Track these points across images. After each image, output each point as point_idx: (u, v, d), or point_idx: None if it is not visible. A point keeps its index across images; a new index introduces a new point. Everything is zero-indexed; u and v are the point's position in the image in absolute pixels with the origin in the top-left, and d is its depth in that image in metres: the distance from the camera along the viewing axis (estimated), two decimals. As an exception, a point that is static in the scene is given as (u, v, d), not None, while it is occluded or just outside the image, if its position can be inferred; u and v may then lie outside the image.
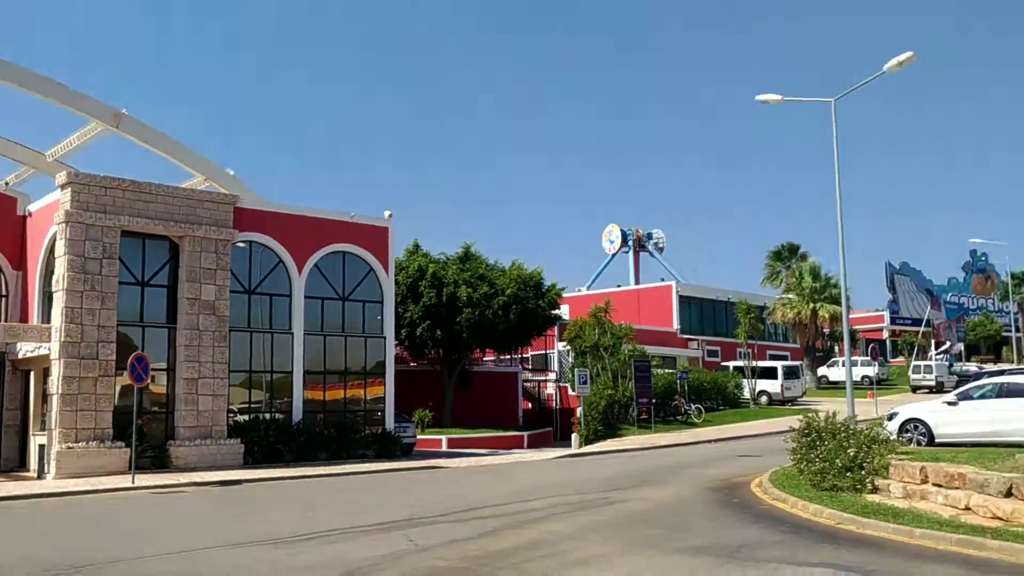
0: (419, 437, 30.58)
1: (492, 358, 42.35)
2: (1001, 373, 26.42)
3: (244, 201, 26.33)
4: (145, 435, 22.75)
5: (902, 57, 22.07)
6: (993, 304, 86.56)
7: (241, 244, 25.66)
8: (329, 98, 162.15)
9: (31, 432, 24.31)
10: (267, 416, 25.71)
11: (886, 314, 78.47)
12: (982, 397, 19.26)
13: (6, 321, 25.09)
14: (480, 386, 38.19)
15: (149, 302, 24.18)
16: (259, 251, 26.16)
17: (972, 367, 58.86)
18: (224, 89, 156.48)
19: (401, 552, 10.95)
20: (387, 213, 29.08)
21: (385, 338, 28.25)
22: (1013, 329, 71.19)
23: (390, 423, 27.69)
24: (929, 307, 76.56)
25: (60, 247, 22.57)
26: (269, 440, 24.77)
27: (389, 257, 28.78)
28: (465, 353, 36.93)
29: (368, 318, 28.12)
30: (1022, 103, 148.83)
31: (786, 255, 60.05)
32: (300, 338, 26.43)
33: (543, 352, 45.99)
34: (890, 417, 20.55)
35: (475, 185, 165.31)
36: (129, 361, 20.82)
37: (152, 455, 22.67)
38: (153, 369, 21.79)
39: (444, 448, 31.26)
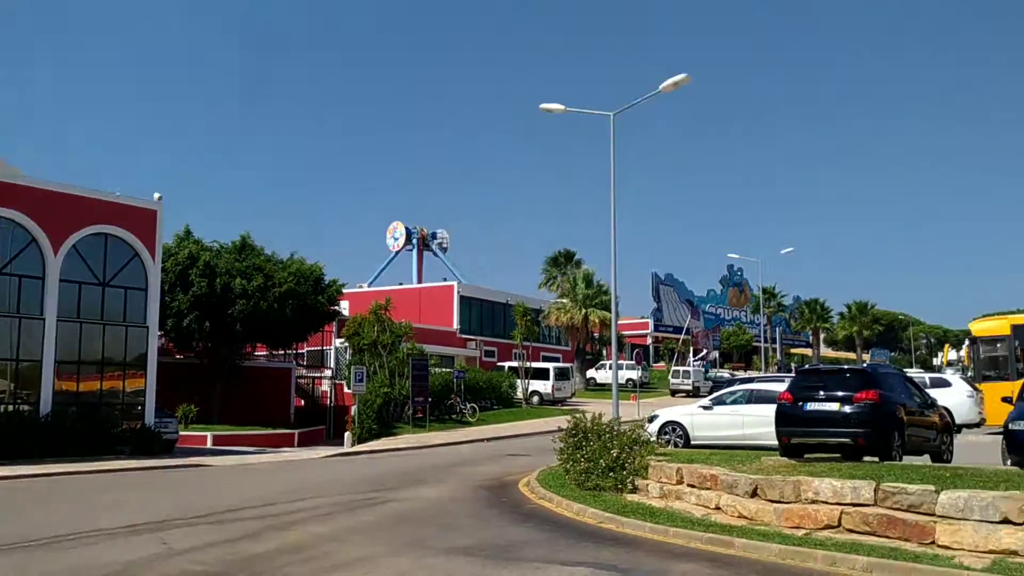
0: (182, 434, 29.04)
1: (265, 353, 40.98)
2: (751, 381, 28.47)
3: (-7, 173, 24.00)
4: None
5: (677, 78, 23.20)
6: (746, 316, 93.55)
7: (-12, 220, 23.38)
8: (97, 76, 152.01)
9: None
10: (10, 408, 23.57)
11: (651, 321, 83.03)
12: (734, 403, 20.65)
13: None
14: (251, 382, 36.80)
15: None
16: (9, 228, 23.94)
17: (725, 374, 63.24)
18: None
19: (153, 556, 10.26)
20: (156, 195, 27.43)
21: (148, 328, 26.60)
22: (762, 339, 77.05)
23: (150, 418, 26.10)
24: (689, 316, 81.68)
25: None
26: (12, 434, 22.64)
27: (156, 242, 27.11)
28: (236, 347, 35.52)
29: (131, 306, 26.35)
30: (791, 130, 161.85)
31: (563, 261, 62.19)
32: (53, 324, 24.41)
33: (320, 348, 45.05)
34: (651, 419, 21.61)
35: (259, 178, 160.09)
36: None
37: None
38: None
39: (209, 445, 29.87)
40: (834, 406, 14.12)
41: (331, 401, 39.02)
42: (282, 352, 41.17)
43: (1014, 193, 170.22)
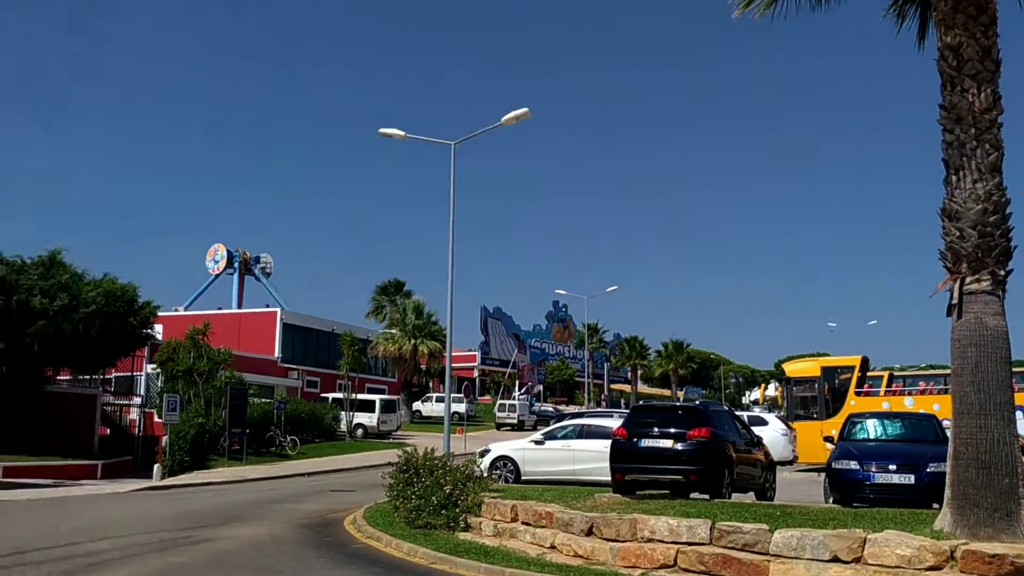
0: (-34, 465, 26.34)
1: (68, 377, 38.02)
2: (581, 415, 28.65)
3: None
4: None
5: (517, 113, 23.30)
6: (569, 351, 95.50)
7: None
8: None
9: None
10: None
11: (478, 354, 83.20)
12: (565, 437, 20.58)
13: None
14: (51, 408, 33.90)
15: None
16: None
17: (549, 407, 64.13)
18: None
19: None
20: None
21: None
22: (586, 374, 78.68)
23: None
24: (516, 350, 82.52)
25: None
26: None
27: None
28: (34, 370, 32.68)
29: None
30: (623, 167, 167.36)
31: (392, 291, 61.39)
32: None
33: (130, 374, 42.28)
34: (482, 454, 21.23)
35: (75, 194, 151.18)
36: None
37: None
38: None
39: (-1, 478, 27.21)
40: (668, 443, 14.21)
41: (140, 431, 36.63)
42: (87, 377, 38.33)
43: (803, 247, 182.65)
